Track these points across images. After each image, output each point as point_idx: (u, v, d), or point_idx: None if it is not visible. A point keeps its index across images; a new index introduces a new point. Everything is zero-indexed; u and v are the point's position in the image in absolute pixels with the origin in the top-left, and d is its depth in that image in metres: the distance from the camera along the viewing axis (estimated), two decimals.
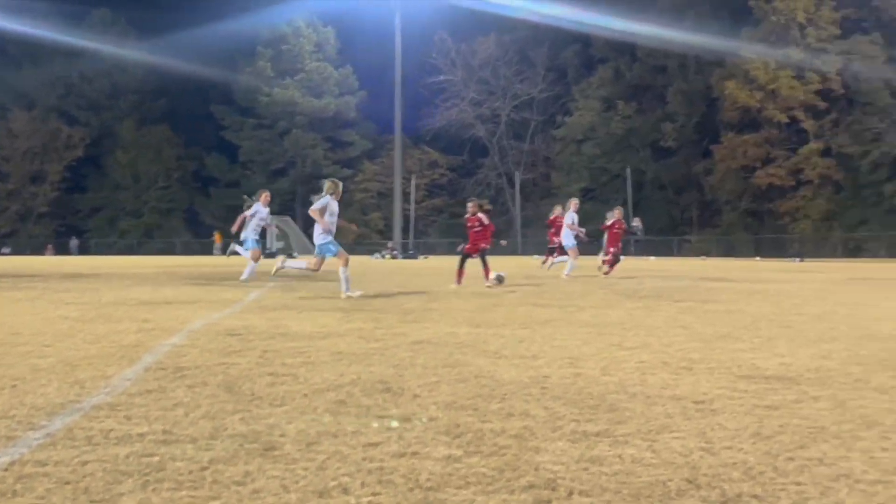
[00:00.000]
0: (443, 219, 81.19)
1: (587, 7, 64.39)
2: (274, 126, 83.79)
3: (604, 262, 23.25)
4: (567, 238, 22.82)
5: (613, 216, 22.83)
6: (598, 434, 4.21)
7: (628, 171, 68.52)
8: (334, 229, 13.96)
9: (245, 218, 19.49)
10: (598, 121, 73.39)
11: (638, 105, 72.65)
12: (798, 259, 48.35)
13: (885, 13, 59.35)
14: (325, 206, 13.70)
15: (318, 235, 13.89)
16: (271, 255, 54.19)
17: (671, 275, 21.85)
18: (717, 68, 65.64)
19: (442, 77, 78.29)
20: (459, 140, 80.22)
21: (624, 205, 53.26)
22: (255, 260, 19.25)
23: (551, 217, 26.54)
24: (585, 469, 3.61)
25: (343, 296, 13.40)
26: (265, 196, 19.82)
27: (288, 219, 68.75)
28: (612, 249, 22.82)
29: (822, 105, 61.82)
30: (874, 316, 10.94)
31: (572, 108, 76.04)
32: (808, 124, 62.45)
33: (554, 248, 26.19)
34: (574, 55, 77.85)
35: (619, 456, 3.81)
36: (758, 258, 53.99)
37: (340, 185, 14.34)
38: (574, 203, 23.55)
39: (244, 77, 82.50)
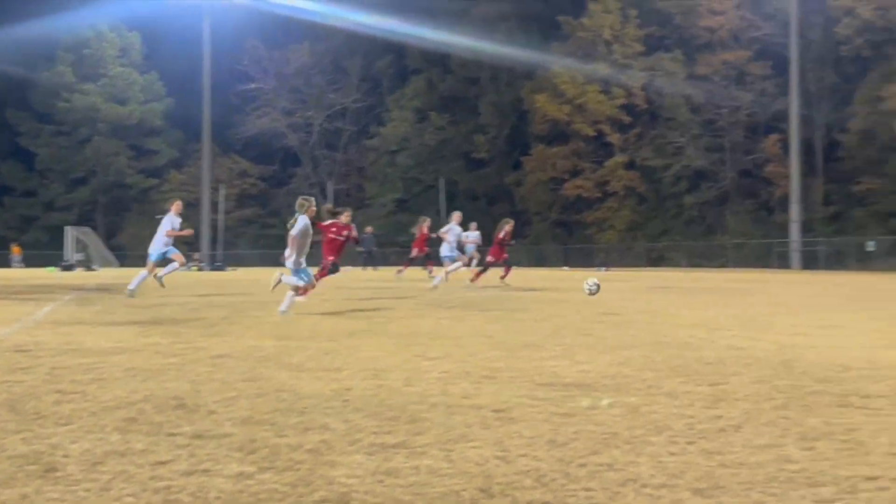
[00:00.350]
0: (253, 230, 79.75)
1: (401, 17, 64.74)
2: (74, 133, 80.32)
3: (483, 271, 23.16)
4: (445, 249, 22.72)
5: (504, 228, 22.81)
6: (395, 446, 4.18)
7: (442, 181, 69.28)
8: (307, 250, 13.03)
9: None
10: (412, 131, 73.88)
11: (451, 116, 73.50)
12: (604, 268, 49.94)
13: (685, 31, 62.11)
14: (306, 230, 12.72)
15: (291, 259, 12.89)
16: (69, 268, 52.17)
17: (481, 284, 22.13)
18: (527, 81, 67.11)
19: (253, 85, 76.89)
20: (271, 149, 79.01)
21: (437, 215, 53.74)
22: (182, 264, 18.36)
23: (419, 234, 26.52)
24: (380, 481, 3.57)
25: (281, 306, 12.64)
26: (177, 205, 18.83)
27: (88, 230, 66.16)
28: (498, 258, 22.82)
29: (627, 119, 64.13)
30: (671, 323, 11.36)
31: (386, 119, 76.23)
32: (614, 138, 64.65)
33: (418, 260, 26.26)
34: (388, 65, 78.13)
35: (416, 467, 3.79)
36: (566, 268, 55.45)
37: (313, 200, 13.24)
38: (457, 216, 23.41)
39: (42, 82, 78.84)
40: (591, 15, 64.13)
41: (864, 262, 47.70)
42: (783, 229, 54.26)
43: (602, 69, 62.80)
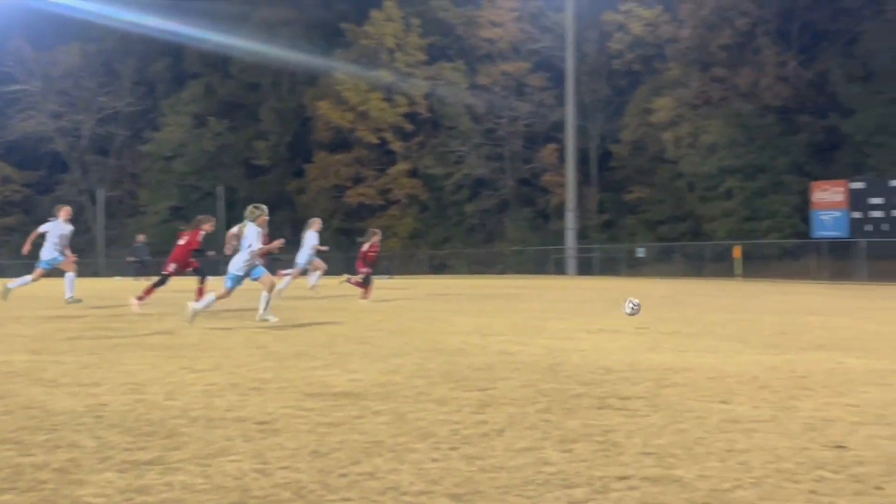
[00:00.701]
0: (16, 238, 75.24)
1: (178, 19, 63.04)
2: None
3: (350, 281, 22.22)
4: (302, 256, 21.85)
5: (371, 239, 22.01)
6: (149, 462, 4.02)
7: (220, 189, 67.84)
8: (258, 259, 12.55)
9: (38, 234, 16.98)
10: (189, 137, 71.80)
11: (230, 122, 71.97)
12: (388, 276, 50.21)
13: (467, 41, 63.33)
14: (257, 238, 12.31)
15: (237, 264, 12.41)
16: None
17: (255, 295, 21.69)
18: (310, 88, 66.73)
19: (17, 86, 72.74)
20: (37, 154, 74.90)
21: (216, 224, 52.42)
22: (74, 272, 16.87)
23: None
24: (130, 500, 3.43)
25: (257, 318, 12.39)
26: (65, 210, 17.35)
27: None
28: (363, 270, 21.84)
29: (410, 127, 64.69)
30: (446, 330, 11.49)
31: (161, 124, 73.89)
32: (397, 146, 65.08)
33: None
34: (164, 68, 75.71)
35: (169, 483, 3.66)
36: (347, 275, 55.28)
37: (265, 209, 12.67)
38: (317, 223, 22.49)
39: None
40: (373, 23, 64.40)
41: (634, 267, 49.99)
42: (560, 236, 56.11)
43: (385, 77, 63.19)
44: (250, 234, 12.43)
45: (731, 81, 50.65)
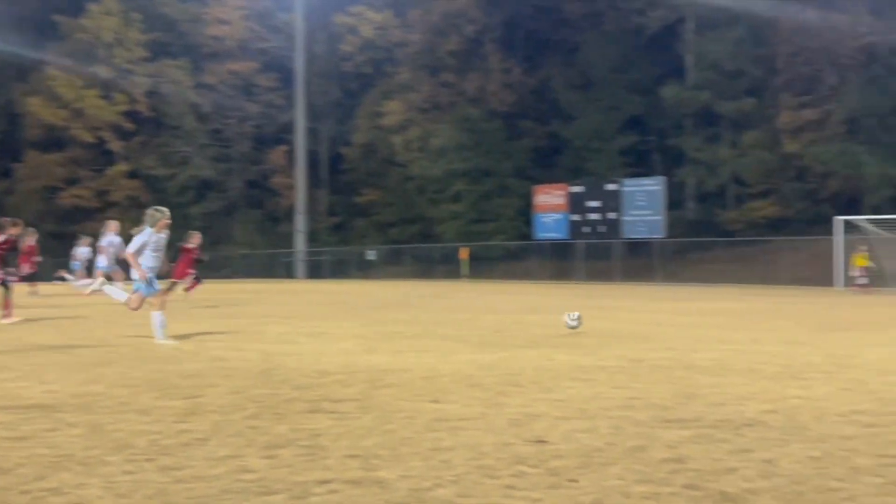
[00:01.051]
0: None
1: None
2: None
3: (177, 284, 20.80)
4: (102, 262, 21.26)
5: (190, 240, 20.55)
6: None
7: None
8: (159, 264, 10.95)
9: None
10: None
11: None
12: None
13: (191, 38, 61.65)
14: (144, 245, 10.66)
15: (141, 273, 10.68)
16: None
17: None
18: (19, 83, 63.06)
19: None
20: None
21: None
22: None
23: (27, 246, 23.14)
24: None
25: (157, 341, 10.41)
26: None
27: None
28: (189, 271, 20.90)
29: (130, 126, 62.23)
30: (148, 339, 10.89)
31: None
32: (116, 145, 62.47)
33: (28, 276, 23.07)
34: None
35: None
36: (61, 282, 52.72)
37: (166, 212, 11.01)
38: (114, 225, 21.72)
39: None
40: (90, 16, 61.53)
41: (364, 270, 50.38)
42: (289, 239, 55.82)
43: (103, 73, 60.51)
44: (140, 237, 10.88)
45: (460, 86, 52.18)
